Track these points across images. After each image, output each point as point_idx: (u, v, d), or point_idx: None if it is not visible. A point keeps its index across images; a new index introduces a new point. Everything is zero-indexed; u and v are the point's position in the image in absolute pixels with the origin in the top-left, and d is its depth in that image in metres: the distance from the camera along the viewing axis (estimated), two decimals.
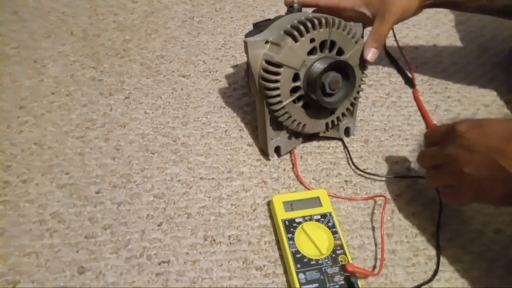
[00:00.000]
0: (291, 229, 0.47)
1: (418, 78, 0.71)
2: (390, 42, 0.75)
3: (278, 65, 0.49)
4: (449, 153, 0.43)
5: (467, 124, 0.43)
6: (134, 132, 0.60)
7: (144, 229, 0.49)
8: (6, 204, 0.51)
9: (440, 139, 0.46)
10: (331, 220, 0.48)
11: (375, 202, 0.53)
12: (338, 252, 0.45)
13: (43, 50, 0.73)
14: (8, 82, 0.67)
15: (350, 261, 0.45)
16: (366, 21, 0.57)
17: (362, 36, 0.55)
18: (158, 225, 0.50)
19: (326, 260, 0.45)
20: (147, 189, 0.53)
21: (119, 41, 0.76)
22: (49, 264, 0.46)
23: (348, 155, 0.58)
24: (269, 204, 0.52)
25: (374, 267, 0.47)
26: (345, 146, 0.59)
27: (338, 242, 0.46)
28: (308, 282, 0.43)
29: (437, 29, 0.82)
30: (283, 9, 0.62)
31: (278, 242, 0.48)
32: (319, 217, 0.48)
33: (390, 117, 0.64)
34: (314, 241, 0.46)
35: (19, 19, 0.80)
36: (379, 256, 0.47)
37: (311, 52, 0.50)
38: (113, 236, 0.48)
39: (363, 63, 0.54)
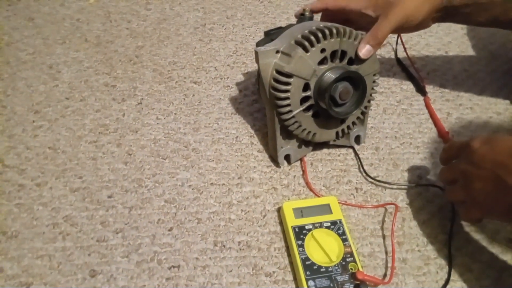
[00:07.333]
0: (301, 236, 0.47)
1: (429, 85, 0.71)
2: (400, 50, 0.75)
3: (289, 75, 0.49)
4: (461, 169, 0.44)
5: (479, 140, 0.43)
6: (146, 138, 0.61)
7: (155, 233, 0.50)
8: (21, 207, 0.52)
9: (456, 155, 0.47)
10: (341, 228, 0.48)
11: (386, 210, 0.53)
12: (348, 259, 0.45)
13: (57, 56, 0.74)
14: (23, 87, 0.68)
15: (360, 269, 0.45)
16: (372, 24, 0.55)
17: None
18: (169, 230, 0.50)
19: (336, 267, 0.45)
20: (158, 194, 0.54)
21: (132, 47, 0.77)
22: (61, 267, 0.47)
23: (359, 163, 0.58)
24: (279, 210, 0.52)
25: (385, 275, 0.47)
26: (356, 154, 0.59)
27: (348, 249, 0.46)
28: None
29: (448, 36, 0.81)
30: (294, 17, 0.63)
31: (288, 248, 0.48)
32: (329, 224, 0.48)
33: (401, 125, 0.64)
34: (324, 248, 0.46)
35: (34, 25, 0.81)
36: (389, 265, 0.47)
37: (322, 62, 0.50)
38: (125, 240, 0.49)
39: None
